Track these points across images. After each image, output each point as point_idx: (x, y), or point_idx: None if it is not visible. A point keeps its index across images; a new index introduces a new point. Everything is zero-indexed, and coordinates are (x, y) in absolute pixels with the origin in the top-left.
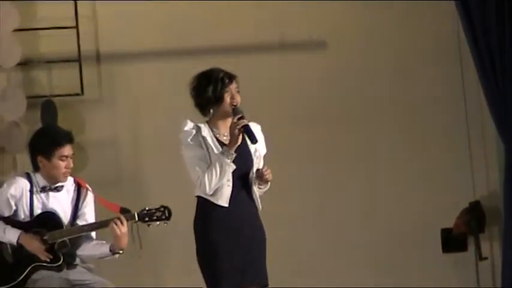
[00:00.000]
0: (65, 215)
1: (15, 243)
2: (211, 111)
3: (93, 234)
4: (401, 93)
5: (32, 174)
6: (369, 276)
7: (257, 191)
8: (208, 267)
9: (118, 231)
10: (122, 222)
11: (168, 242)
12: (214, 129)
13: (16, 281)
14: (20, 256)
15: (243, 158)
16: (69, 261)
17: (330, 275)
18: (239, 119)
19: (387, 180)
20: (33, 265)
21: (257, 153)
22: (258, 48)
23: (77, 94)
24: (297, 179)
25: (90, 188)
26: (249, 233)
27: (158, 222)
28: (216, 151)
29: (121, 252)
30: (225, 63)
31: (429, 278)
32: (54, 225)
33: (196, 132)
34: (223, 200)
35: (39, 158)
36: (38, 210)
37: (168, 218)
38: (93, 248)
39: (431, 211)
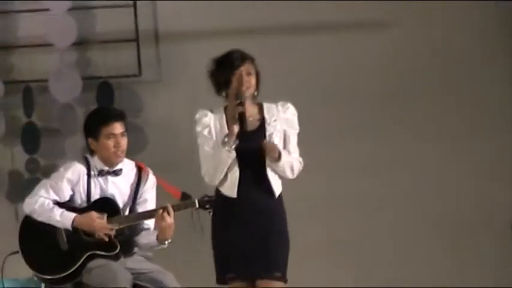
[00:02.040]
0: (124, 201)
1: (69, 227)
2: (224, 94)
3: (151, 222)
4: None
5: (89, 158)
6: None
7: (272, 175)
8: (215, 258)
9: (163, 223)
10: (168, 213)
11: None
12: (227, 113)
13: (71, 270)
14: (75, 243)
15: (255, 143)
16: (127, 249)
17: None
18: (238, 105)
19: (456, 165)
20: (89, 253)
21: (274, 136)
22: (316, 28)
23: (135, 75)
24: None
25: (151, 172)
26: (260, 223)
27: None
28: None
29: (166, 243)
30: (283, 43)
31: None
32: (112, 212)
33: (209, 119)
34: (231, 191)
35: (90, 140)
36: (95, 196)
37: None
38: (146, 236)
39: (504, 201)
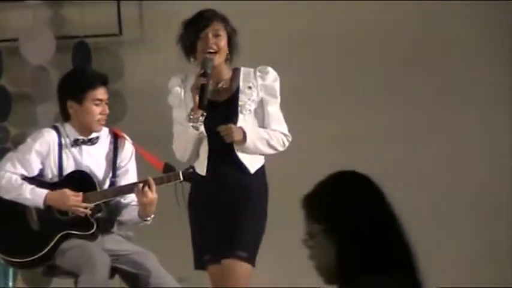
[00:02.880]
0: (101, 173)
1: (41, 205)
2: (192, 60)
3: (132, 196)
4: None
5: (60, 127)
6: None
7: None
8: (192, 241)
9: (144, 198)
10: (150, 187)
11: None
12: None
13: (43, 252)
14: (48, 223)
15: (225, 116)
16: (105, 228)
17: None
18: (200, 75)
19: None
20: (62, 233)
21: (248, 107)
22: None
23: (114, 34)
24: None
25: (129, 139)
26: (229, 202)
27: None
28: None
29: (149, 219)
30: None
31: None
32: (87, 186)
33: (179, 90)
34: (200, 168)
35: (69, 103)
36: (68, 169)
37: None
38: (128, 212)
39: None
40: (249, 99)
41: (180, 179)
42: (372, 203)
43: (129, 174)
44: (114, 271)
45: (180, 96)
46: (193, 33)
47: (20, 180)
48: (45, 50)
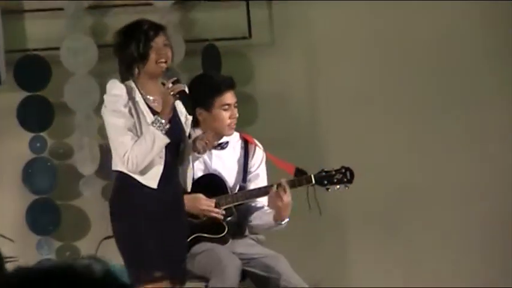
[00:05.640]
0: (231, 178)
1: None
2: (136, 70)
3: (264, 200)
4: None
5: (191, 130)
6: None
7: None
8: (130, 255)
9: (279, 202)
10: (284, 190)
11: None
12: (142, 92)
13: None
14: None
15: (174, 130)
16: (237, 231)
17: None
18: (174, 82)
19: None
20: (193, 236)
21: (188, 122)
22: None
23: (244, 37)
24: None
25: (260, 145)
26: (176, 220)
27: (338, 186)
28: (148, 120)
29: (283, 223)
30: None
31: None
32: (218, 190)
33: (128, 96)
34: (153, 180)
35: (198, 110)
36: (198, 172)
37: (349, 181)
38: (260, 216)
39: None
40: (181, 111)
41: (312, 182)
42: None
43: (259, 179)
44: (245, 274)
45: (129, 104)
46: (144, 42)
47: None
48: (175, 53)
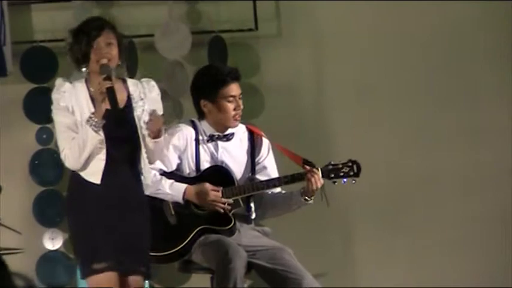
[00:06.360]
0: (239, 169)
1: (181, 200)
2: (84, 69)
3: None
4: None
5: (197, 122)
6: None
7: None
8: (78, 248)
9: (315, 186)
10: (318, 176)
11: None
12: (91, 89)
13: (179, 247)
14: (185, 217)
15: (124, 125)
16: (242, 224)
17: None
18: (104, 79)
19: None
20: (200, 227)
21: (143, 116)
22: None
23: (250, 30)
24: None
25: (265, 136)
26: (127, 215)
27: (345, 179)
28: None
29: (311, 200)
30: None
31: None
32: (224, 182)
33: (70, 93)
34: (95, 176)
35: (203, 102)
36: (205, 164)
37: (356, 175)
38: (283, 202)
39: None
40: (142, 110)
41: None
42: None
43: (267, 170)
44: (250, 266)
45: (70, 99)
46: (85, 42)
47: (158, 175)
48: (181, 45)
